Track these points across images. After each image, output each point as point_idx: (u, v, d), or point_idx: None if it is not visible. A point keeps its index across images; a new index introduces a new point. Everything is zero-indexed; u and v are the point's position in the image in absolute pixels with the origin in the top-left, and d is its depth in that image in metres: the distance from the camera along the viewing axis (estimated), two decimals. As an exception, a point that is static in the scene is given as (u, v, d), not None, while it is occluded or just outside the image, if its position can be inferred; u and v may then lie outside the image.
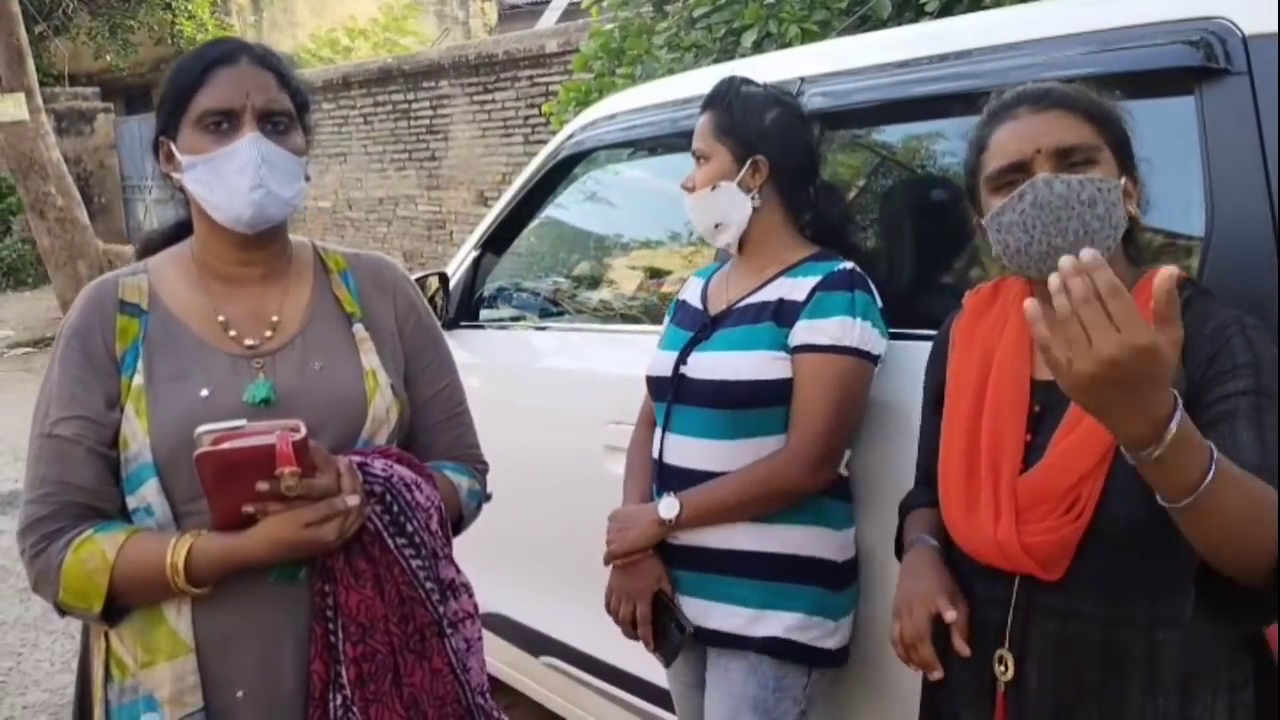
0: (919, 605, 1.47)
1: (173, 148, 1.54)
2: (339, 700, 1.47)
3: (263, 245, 1.59)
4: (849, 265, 1.93)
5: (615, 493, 2.27)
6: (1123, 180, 1.41)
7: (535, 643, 2.89)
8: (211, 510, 1.42)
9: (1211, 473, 1.13)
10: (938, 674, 1.46)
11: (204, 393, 1.50)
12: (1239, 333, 1.33)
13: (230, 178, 1.49)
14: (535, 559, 2.87)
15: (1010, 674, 1.43)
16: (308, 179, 1.60)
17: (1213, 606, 1.25)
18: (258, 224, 1.53)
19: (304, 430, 1.38)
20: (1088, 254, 1.08)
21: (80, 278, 11.06)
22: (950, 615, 1.44)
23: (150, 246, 1.68)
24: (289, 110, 1.55)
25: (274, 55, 1.58)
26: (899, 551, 1.71)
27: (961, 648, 1.44)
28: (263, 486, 1.37)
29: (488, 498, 1.78)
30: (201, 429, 1.37)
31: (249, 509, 1.40)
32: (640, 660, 2.28)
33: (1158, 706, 1.37)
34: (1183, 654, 1.35)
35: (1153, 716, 1.37)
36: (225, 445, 1.36)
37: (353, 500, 1.43)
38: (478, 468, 1.77)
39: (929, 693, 1.62)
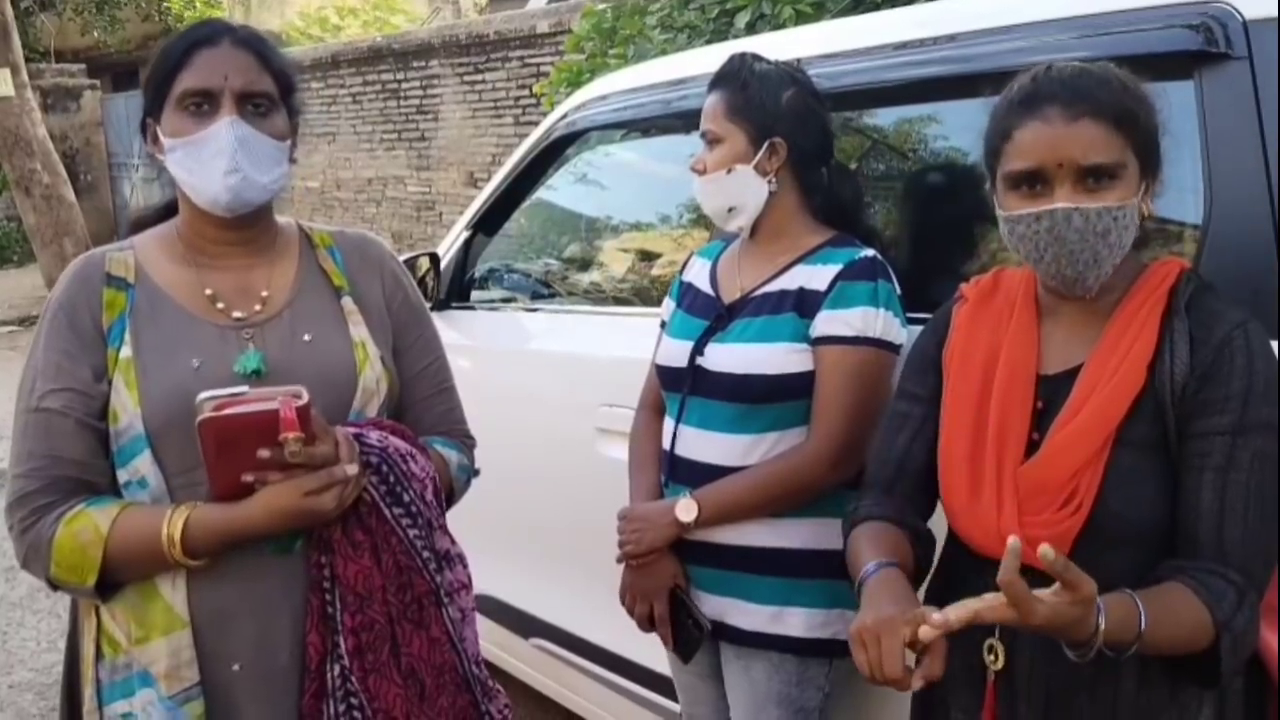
0: (888, 635, 1.26)
1: (157, 129, 1.53)
2: (337, 671, 1.48)
3: (244, 226, 1.58)
4: (870, 253, 1.88)
5: (607, 475, 2.26)
6: (1142, 187, 1.39)
7: (524, 624, 2.89)
8: (210, 479, 1.42)
9: (1143, 627, 1.24)
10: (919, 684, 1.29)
11: (195, 364, 1.50)
12: (1243, 349, 1.33)
13: (207, 161, 1.48)
14: (526, 541, 2.87)
15: (1000, 663, 1.43)
16: (294, 161, 1.60)
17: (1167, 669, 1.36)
18: (235, 208, 1.52)
19: (306, 396, 1.39)
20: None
21: (66, 255, 10.99)
22: (927, 632, 1.24)
23: (141, 224, 1.67)
24: (269, 92, 1.54)
25: (257, 37, 1.57)
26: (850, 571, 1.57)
27: (934, 669, 1.27)
28: (264, 454, 1.37)
29: (476, 472, 1.78)
30: (203, 395, 1.37)
31: (248, 478, 1.40)
32: (630, 643, 2.28)
33: (1150, 697, 1.38)
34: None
35: (1145, 707, 1.38)
36: (228, 411, 1.35)
37: (351, 469, 1.44)
38: (465, 442, 1.78)
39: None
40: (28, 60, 11.78)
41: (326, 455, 1.42)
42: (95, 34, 16.11)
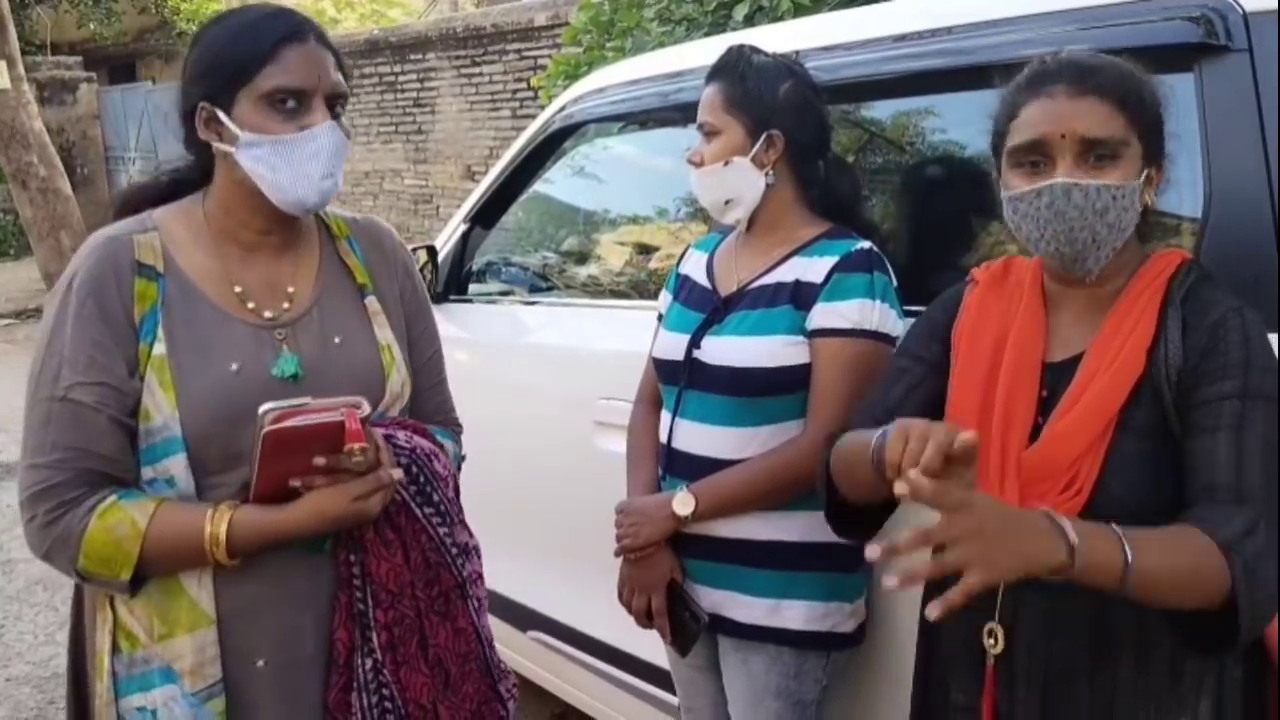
0: (936, 434, 1.21)
1: (220, 115, 1.47)
2: (369, 665, 1.51)
3: (294, 220, 1.57)
4: (866, 245, 1.88)
5: (605, 468, 2.26)
6: (1144, 173, 1.39)
7: (522, 617, 2.89)
8: (256, 483, 1.42)
9: (1129, 554, 1.20)
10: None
11: (233, 367, 1.48)
12: (1238, 327, 1.33)
13: (302, 163, 1.46)
14: (524, 534, 2.86)
15: (1000, 647, 1.44)
16: None
17: (1186, 640, 1.33)
18: (315, 210, 1.53)
19: (366, 407, 1.42)
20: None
21: (63, 249, 10.98)
22: (968, 435, 1.20)
23: (132, 199, 1.61)
24: (348, 94, 1.53)
25: (328, 35, 1.55)
26: (838, 516, 1.59)
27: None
28: (320, 461, 1.39)
29: (463, 458, 1.81)
30: (266, 407, 1.37)
31: (297, 483, 1.41)
32: (628, 636, 2.28)
33: (1149, 681, 1.38)
34: (1174, 630, 1.35)
35: (1144, 691, 1.38)
36: (291, 422, 1.37)
37: (397, 473, 1.47)
38: (455, 430, 1.80)
39: (922, 662, 1.62)
40: (24, 53, 11.76)
41: (373, 462, 1.44)
42: (91, 27, 16.09)
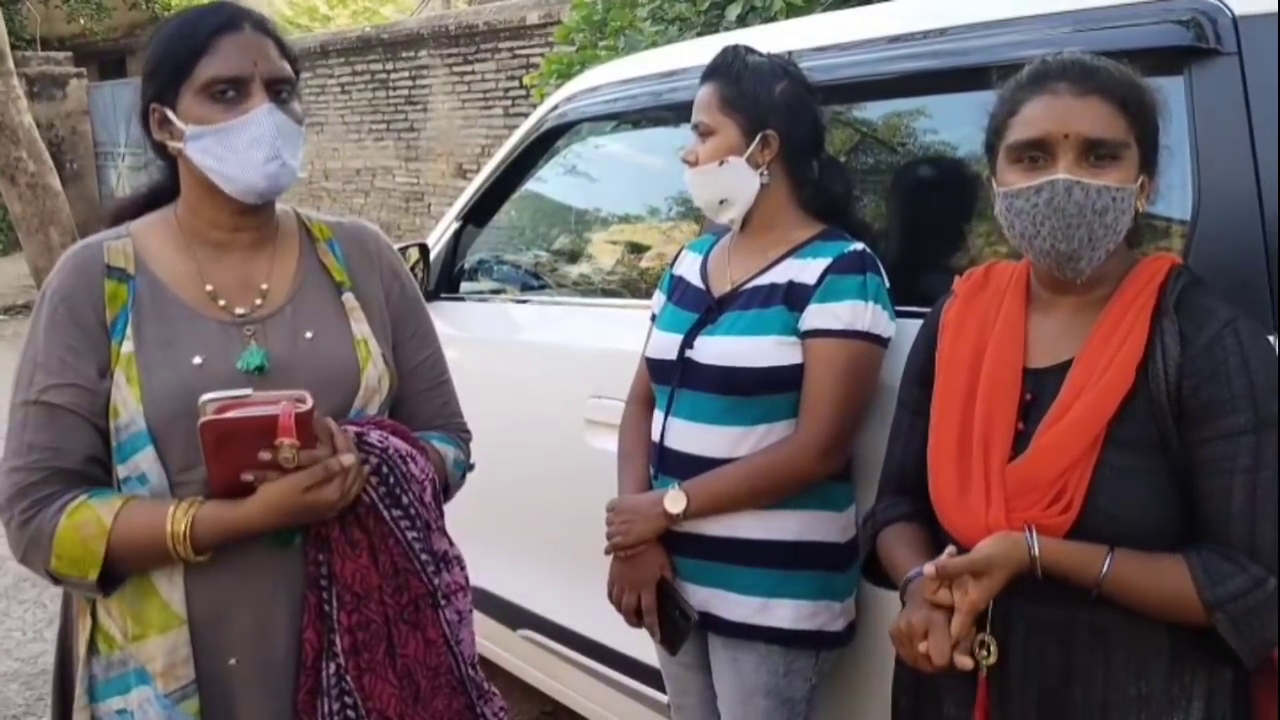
0: (936, 630, 1.38)
1: (169, 114, 1.49)
2: (332, 669, 1.48)
3: (258, 211, 1.57)
4: (859, 246, 1.89)
5: (596, 466, 2.26)
6: (1140, 180, 1.40)
7: (512, 616, 2.89)
8: (210, 477, 1.41)
9: (1105, 568, 1.33)
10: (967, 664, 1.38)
11: (197, 360, 1.48)
12: (1236, 348, 1.33)
13: (244, 150, 1.46)
14: (515, 532, 2.86)
15: (993, 659, 1.42)
16: None
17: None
18: (269, 195, 1.52)
19: (310, 402, 1.39)
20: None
21: (52, 245, 10.91)
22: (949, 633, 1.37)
23: (122, 214, 1.64)
24: (291, 78, 1.53)
25: (270, 21, 1.56)
26: (870, 568, 1.66)
27: (963, 662, 1.36)
28: (264, 456, 1.37)
29: (471, 467, 1.78)
30: (206, 397, 1.37)
31: (248, 477, 1.39)
32: (619, 634, 2.28)
33: (1141, 691, 1.38)
34: (1166, 635, 1.36)
35: (1137, 698, 1.38)
36: (227, 415, 1.36)
37: (348, 459, 1.43)
38: (461, 436, 1.77)
39: (911, 673, 1.61)
40: (13, 47, 11.69)
41: (325, 459, 1.42)
42: (81, 22, 16.00)
